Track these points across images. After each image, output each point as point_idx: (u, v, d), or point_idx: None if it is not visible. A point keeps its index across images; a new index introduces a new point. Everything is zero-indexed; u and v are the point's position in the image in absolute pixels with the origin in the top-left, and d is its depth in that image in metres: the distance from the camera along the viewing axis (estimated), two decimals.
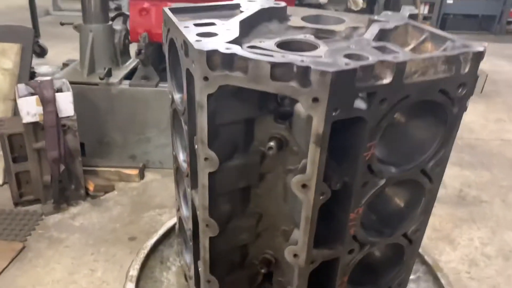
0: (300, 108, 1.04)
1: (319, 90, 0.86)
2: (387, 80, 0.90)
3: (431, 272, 1.61)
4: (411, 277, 1.41)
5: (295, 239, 1.09)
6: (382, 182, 1.04)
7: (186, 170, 1.28)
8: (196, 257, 1.36)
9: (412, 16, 1.16)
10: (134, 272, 1.51)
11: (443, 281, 1.54)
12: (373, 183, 1.03)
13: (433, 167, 1.09)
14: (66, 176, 3.24)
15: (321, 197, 0.99)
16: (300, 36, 1.19)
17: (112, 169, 3.69)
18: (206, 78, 0.96)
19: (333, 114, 0.89)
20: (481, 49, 0.97)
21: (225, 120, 1.09)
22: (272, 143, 1.13)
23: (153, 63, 3.90)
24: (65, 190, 3.31)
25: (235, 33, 1.06)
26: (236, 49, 0.94)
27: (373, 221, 1.16)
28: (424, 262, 1.62)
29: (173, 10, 1.28)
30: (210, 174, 1.08)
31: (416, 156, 1.09)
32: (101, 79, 3.61)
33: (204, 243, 1.19)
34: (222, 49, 0.94)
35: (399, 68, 0.89)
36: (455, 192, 3.98)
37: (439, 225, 3.52)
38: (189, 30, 1.07)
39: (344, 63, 0.87)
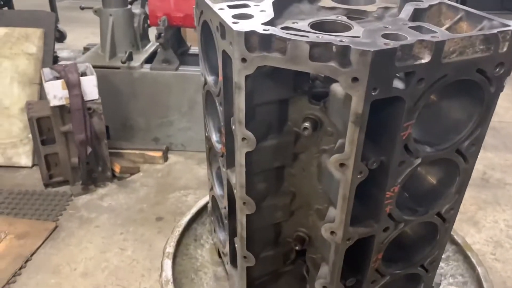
0: (336, 88, 1.05)
1: (359, 69, 0.87)
2: (425, 59, 0.91)
3: (461, 251, 1.63)
4: None
5: (331, 216, 1.12)
6: (418, 161, 1.06)
7: (220, 150, 1.31)
8: (231, 234, 1.40)
9: None
10: (170, 249, 1.57)
11: (473, 259, 1.56)
12: (409, 163, 1.05)
13: (468, 146, 1.10)
14: (93, 158, 3.33)
15: (358, 176, 1.01)
16: (332, 17, 1.19)
17: (137, 152, 3.77)
18: (244, 60, 0.98)
19: (373, 93, 0.90)
20: None
21: (261, 100, 1.11)
22: (307, 124, 1.15)
23: (173, 47, 3.93)
24: (93, 172, 3.40)
25: (270, 14, 1.07)
26: (274, 30, 0.96)
27: (408, 199, 1.18)
28: (453, 242, 1.64)
29: None
30: (247, 153, 1.11)
31: (452, 135, 1.09)
32: (122, 63, 3.66)
33: (242, 220, 1.23)
34: (260, 30, 0.96)
35: (437, 48, 0.90)
36: (479, 174, 3.94)
37: (463, 208, 3.49)
38: (224, 12, 1.09)
39: (383, 43, 0.88)
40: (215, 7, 1.12)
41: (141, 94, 3.81)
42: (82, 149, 3.20)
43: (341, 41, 0.89)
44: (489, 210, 3.53)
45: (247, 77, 1.00)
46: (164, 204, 3.39)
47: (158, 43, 3.85)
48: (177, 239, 1.63)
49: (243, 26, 0.97)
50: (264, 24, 1.00)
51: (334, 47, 0.89)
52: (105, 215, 3.22)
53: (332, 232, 1.11)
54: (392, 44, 0.87)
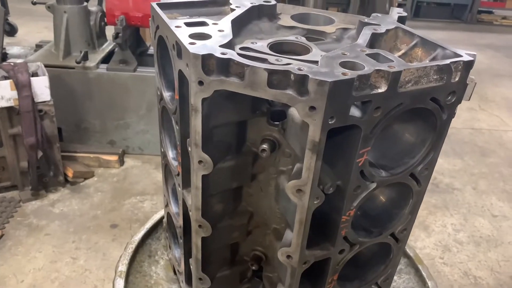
0: (294, 113, 1.04)
1: (316, 98, 0.86)
2: (382, 89, 0.91)
3: (413, 264, 1.67)
4: None
5: (288, 240, 1.11)
6: (373, 185, 1.07)
7: (176, 169, 1.27)
8: (186, 254, 1.37)
9: (401, 19, 1.16)
10: (123, 267, 1.51)
11: (424, 273, 1.61)
12: (365, 187, 1.06)
13: (422, 170, 1.12)
14: (44, 162, 3.18)
15: (315, 202, 1.01)
16: (291, 37, 1.18)
17: (91, 155, 3.65)
18: (201, 83, 0.95)
19: (330, 122, 0.89)
20: (471, 58, 0.99)
21: (219, 122, 1.09)
22: (265, 146, 1.13)
23: (131, 47, 3.82)
24: (44, 177, 3.25)
25: (229, 35, 1.05)
26: (232, 54, 0.93)
27: (362, 222, 1.19)
28: (406, 255, 1.68)
29: (161, 6, 1.24)
30: (203, 176, 1.08)
31: (406, 159, 1.11)
32: (77, 62, 3.52)
33: (197, 242, 1.20)
34: (218, 54, 0.93)
35: (394, 78, 0.90)
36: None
37: None
38: (181, 30, 1.05)
39: (341, 73, 0.88)
40: (172, 24, 1.08)
41: (96, 96, 3.68)
42: (32, 153, 3.05)
43: (299, 69, 0.87)
44: (439, 214, 3.68)
45: (204, 100, 0.97)
46: (119, 210, 3.29)
47: (115, 43, 3.74)
48: (131, 256, 1.57)
49: (200, 48, 0.94)
50: (222, 46, 0.97)
51: (292, 75, 0.87)
52: (56, 222, 3.08)
53: (288, 256, 1.10)
54: (349, 74, 0.87)
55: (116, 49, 3.82)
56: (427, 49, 1.10)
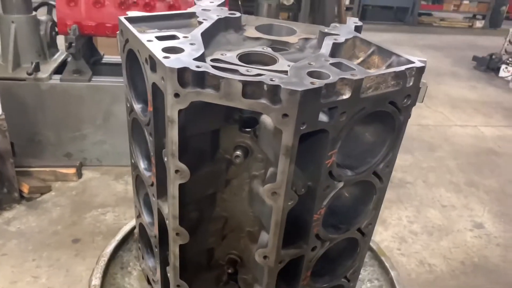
0: (266, 120, 1.10)
1: (288, 107, 0.93)
2: (346, 95, 0.99)
3: (376, 257, 1.78)
4: None
5: (264, 241, 1.17)
6: (341, 184, 1.15)
7: (150, 180, 1.30)
8: (162, 262, 1.39)
9: (357, 28, 1.25)
10: (96, 281, 1.50)
11: (387, 264, 1.72)
12: (333, 186, 1.14)
13: (383, 168, 1.22)
14: None
15: (289, 203, 1.07)
16: (258, 48, 1.25)
17: (47, 169, 3.53)
18: (177, 95, 0.99)
19: (301, 128, 0.96)
20: (423, 64, 1.10)
21: (194, 132, 1.12)
22: (238, 152, 1.18)
23: (84, 56, 3.75)
24: None
25: (201, 48, 1.09)
26: (206, 66, 0.98)
27: (331, 219, 1.26)
28: (369, 249, 1.79)
29: (129, 20, 1.26)
30: (180, 185, 1.12)
31: (368, 159, 1.20)
32: (29, 74, 3.41)
33: (174, 250, 1.22)
34: (193, 67, 0.97)
35: (357, 85, 0.99)
36: None
37: None
38: (153, 44, 1.08)
39: (309, 82, 0.95)
40: (143, 38, 1.11)
41: (50, 107, 3.57)
42: None
43: (271, 80, 0.94)
44: (394, 208, 3.89)
45: (180, 111, 1.01)
46: (80, 224, 3.21)
47: (68, 53, 3.65)
48: (103, 269, 1.57)
49: (175, 62, 0.98)
50: (195, 59, 1.01)
51: (265, 86, 0.93)
52: (13, 241, 2.96)
53: (265, 257, 1.16)
54: (318, 83, 0.94)
55: (69, 59, 3.73)
56: (383, 57, 1.20)
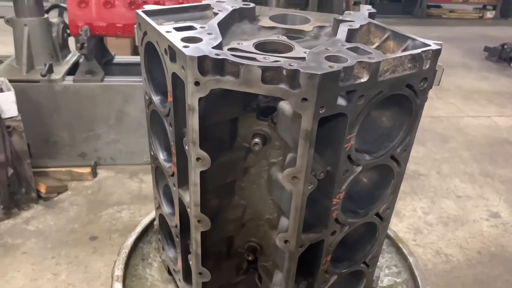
0: (284, 106, 1.12)
1: (307, 91, 0.94)
2: (364, 79, 1.00)
3: (394, 244, 1.78)
4: None
5: (284, 226, 1.18)
6: (359, 169, 1.16)
7: (170, 170, 1.32)
8: (184, 251, 1.41)
9: (371, 15, 1.26)
10: (119, 272, 1.53)
11: (405, 250, 1.72)
12: (352, 171, 1.15)
13: (400, 152, 1.22)
14: (15, 179, 3.11)
15: (309, 187, 1.08)
16: (273, 37, 1.26)
17: (63, 169, 3.59)
18: (197, 83, 1.01)
19: (320, 112, 0.98)
20: (439, 47, 1.11)
21: (214, 120, 1.15)
22: (257, 140, 1.20)
23: (96, 57, 3.79)
24: (15, 194, 3.18)
25: (218, 37, 1.11)
26: (225, 54, 1.00)
27: (349, 205, 1.27)
28: (386, 236, 1.79)
29: (147, 13, 1.29)
30: (201, 172, 1.14)
31: (386, 143, 1.21)
32: (43, 76, 3.46)
33: (196, 237, 1.25)
34: (212, 55, 0.99)
35: (374, 68, 1.00)
36: None
37: None
38: (172, 35, 1.10)
39: (328, 66, 0.96)
40: (162, 29, 1.13)
41: (64, 108, 3.62)
42: (2, 171, 2.97)
43: (290, 65, 0.95)
44: (408, 200, 3.87)
45: (200, 99, 1.03)
46: (97, 222, 3.26)
47: (80, 54, 3.70)
48: (125, 261, 1.60)
49: (195, 50, 1.00)
50: (214, 48, 1.03)
51: (284, 70, 0.95)
52: (32, 239, 3.02)
53: (286, 241, 1.18)
54: (336, 66, 0.95)
55: (81, 60, 3.78)
56: (399, 41, 1.21)
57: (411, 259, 1.71)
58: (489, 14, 12.21)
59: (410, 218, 3.64)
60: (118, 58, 4.32)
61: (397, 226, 3.51)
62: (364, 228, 1.38)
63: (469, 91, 6.50)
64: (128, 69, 4.23)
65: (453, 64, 7.73)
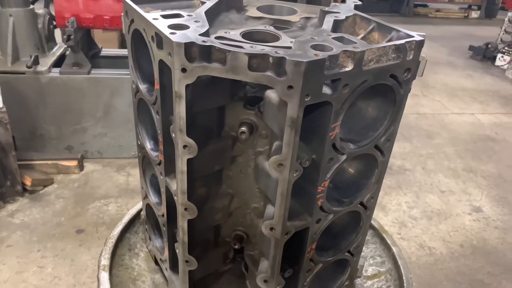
0: (271, 94, 1.13)
1: (293, 78, 0.96)
2: (349, 68, 1.02)
3: (378, 234, 1.82)
4: None
5: (270, 213, 1.20)
6: (344, 157, 1.18)
7: (157, 158, 1.33)
8: (171, 240, 1.42)
9: (357, 7, 1.28)
10: (105, 261, 1.53)
11: (388, 241, 1.76)
12: (337, 159, 1.17)
13: (384, 142, 1.25)
14: (0, 172, 3.07)
15: (294, 174, 1.10)
16: (260, 26, 1.27)
17: (49, 162, 3.55)
18: (184, 70, 1.01)
19: (306, 99, 0.99)
20: (422, 38, 1.13)
21: (200, 108, 1.15)
22: (244, 128, 1.21)
23: (83, 49, 3.76)
24: (0, 187, 3.13)
25: (205, 25, 1.12)
26: (212, 41, 1.01)
27: (334, 193, 1.30)
28: (371, 227, 1.82)
29: (134, 0, 1.29)
30: (188, 160, 1.15)
31: (370, 133, 1.24)
32: (28, 67, 3.42)
33: (183, 226, 1.26)
34: (200, 42, 1.00)
35: (359, 57, 1.02)
36: None
37: None
38: (159, 22, 1.11)
39: (313, 54, 0.98)
40: (149, 16, 1.13)
41: (50, 101, 3.58)
42: None
43: (276, 52, 0.96)
44: (393, 194, 3.93)
45: (187, 86, 1.04)
46: (84, 215, 3.24)
47: (66, 46, 3.66)
48: (112, 251, 1.60)
49: (182, 37, 1.01)
50: (201, 35, 1.04)
51: (270, 58, 0.96)
52: (18, 232, 2.99)
53: (271, 228, 1.19)
54: (321, 55, 0.97)
55: (68, 52, 3.74)
56: (383, 33, 1.23)
57: (394, 249, 1.74)
58: (474, 14, 12.39)
59: (395, 212, 3.69)
60: (106, 51, 4.29)
61: (383, 220, 3.56)
62: (349, 217, 1.41)
63: (454, 89, 6.59)
64: (115, 62, 4.20)
65: (439, 62, 7.83)
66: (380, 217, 3.58)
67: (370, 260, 1.78)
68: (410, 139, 4.94)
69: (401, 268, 1.66)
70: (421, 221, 3.61)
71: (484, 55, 7.95)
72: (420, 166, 4.43)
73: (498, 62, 7.70)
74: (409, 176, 4.24)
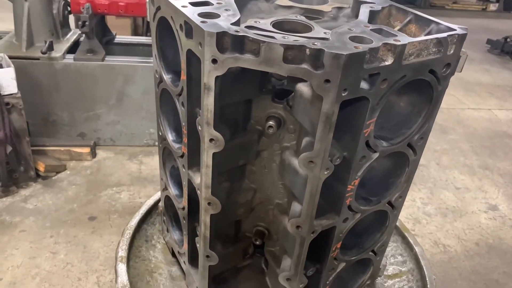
0: (302, 88, 1.08)
1: (331, 72, 0.91)
2: (388, 62, 0.97)
3: (400, 233, 1.77)
4: None
5: (296, 211, 1.16)
6: (376, 155, 1.13)
7: (180, 151, 1.29)
8: (191, 234, 1.39)
9: None
10: (123, 253, 1.51)
11: (410, 240, 1.71)
12: (369, 157, 1.12)
13: (417, 140, 1.20)
14: (14, 157, 3.06)
15: (325, 173, 1.06)
16: (292, 16, 1.22)
17: (62, 148, 3.54)
18: (215, 61, 0.97)
19: (343, 94, 0.94)
20: (465, 32, 1.07)
21: (228, 101, 1.11)
22: (271, 122, 1.17)
23: (97, 36, 3.71)
24: (14, 172, 3.13)
25: (236, 14, 1.07)
26: (245, 31, 0.96)
27: (362, 192, 1.25)
28: None
29: None
30: (214, 154, 1.11)
31: (403, 130, 1.18)
32: (43, 53, 3.39)
33: (205, 220, 1.22)
34: (232, 31, 0.95)
35: (400, 50, 0.96)
36: None
37: None
38: (188, 10, 1.06)
39: (353, 46, 0.92)
40: (177, 4, 1.08)
41: (64, 87, 3.55)
42: (1, 148, 2.92)
43: (314, 44, 0.91)
44: None
45: (217, 78, 0.99)
46: (96, 202, 3.22)
47: (80, 32, 3.62)
48: (129, 242, 1.57)
49: (214, 26, 0.96)
50: (233, 24, 0.99)
51: (307, 50, 0.91)
52: (31, 218, 2.99)
53: (298, 227, 1.15)
54: (361, 47, 0.92)
55: (82, 38, 3.70)
56: (421, 25, 1.17)
57: (417, 249, 1.70)
58: (492, 7, 12.11)
59: (409, 208, 3.64)
60: (119, 38, 4.24)
61: None
62: (375, 216, 1.36)
63: (470, 83, 6.46)
64: (129, 49, 4.15)
65: None
66: None
67: (390, 259, 1.74)
68: None
69: (424, 269, 1.62)
70: (436, 217, 3.55)
71: (502, 49, 7.77)
72: (434, 162, 4.35)
73: None
74: (423, 172, 4.17)
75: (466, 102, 5.79)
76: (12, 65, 2.96)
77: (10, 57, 3.14)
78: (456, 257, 3.14)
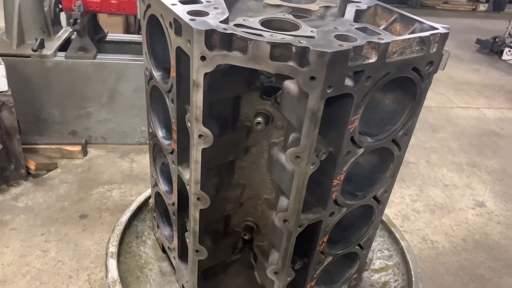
0: (289, 85, 1.11)
1: (316, 69, 0.93)
2: (372, 59, 1.00)
3: (386, 228, 1.81)
4: None
5: (284, 205, 1.18)
6: (361, 151, 1.16)
7: (170, 147, 1.31)
8: (180, 229, 1.41)
9: None
10: (113, 248, 1.52)
11: (397, 235, 1.75)
12: (354, 152, 1.15)
13: (402, 136, 1.23)
14: (4, 155, 3.06)
15: (311, 167, 1.08)
16: (280, 14, 1.24)
17: (53, 146, 3.53)
18: (203, 58, 0.99)
19: (328, 91, 0.97)
20: (447, 31, 1.10)
21: (217, 97, 1.13)
22: (260, 119, 1.19)
23: (89, 34, 3.71)
24: (4, 171, 3.13)
25: (225, 12, 1.09)
26: (234, 29, 0.98)
27: (348, 187, 1.28)
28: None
29: None
30: (203, 150, 1.13)
31: (388, 127, 1.22)
32: (34, 50, 3.38)
33: (195, 215, 1.24)
34: (220, 29, 0.97)
35: (383, 48, 0.99)
36: None
37: None
38: (178, 8, 1.08)
39: (338, 44, 0.95)
40: (167, 2, 1.10)
41: (55, 85, 3.55)
42: None
43: (300, 42, 0.94)
44: (397, 187, 3.92)
45: (205, 75, 1.01)
46: (87, 200, 3.23)
47: (72, 30, 3.62)
48: (119, 238, 1.59)
49: (202, 24, 0.98)
50: (221, 22, 1.01)
51: (294, 47, 0.94)
52: (21, 216, 2.98)
53: (285, 220, 1.18)
54: (345, 45, 0.94)
55: (73, 36, 3.70)
56: (406, 24, 1.20)
57: (403, 243, 1.73)
58: (482, 7, 12.25)
59: (398, 205, 3.69)
60: (111, 36, 4.24)
61: (385, 212, 3.56)
62: (361, 211, 1.39)
63: (460, 83, 6.55)
64: (120, 47, 4.15)
65: None
66: None
67: (377, 253, 1.78)
68: (414, 132, 4.89)
69: (410, 263, 1.65)
70: (424, 214, 3.60)
71: (491, 49, 7.87)
72: (424, 160, 4.41)
73: (505, 57, 7.63)
74: (413, 169, 4.23)
75: (456, 101, 5.87)
76: (3, 63, 2.96)
77: (1, 55, 3.14)
78: (443, 253, 3.20)
